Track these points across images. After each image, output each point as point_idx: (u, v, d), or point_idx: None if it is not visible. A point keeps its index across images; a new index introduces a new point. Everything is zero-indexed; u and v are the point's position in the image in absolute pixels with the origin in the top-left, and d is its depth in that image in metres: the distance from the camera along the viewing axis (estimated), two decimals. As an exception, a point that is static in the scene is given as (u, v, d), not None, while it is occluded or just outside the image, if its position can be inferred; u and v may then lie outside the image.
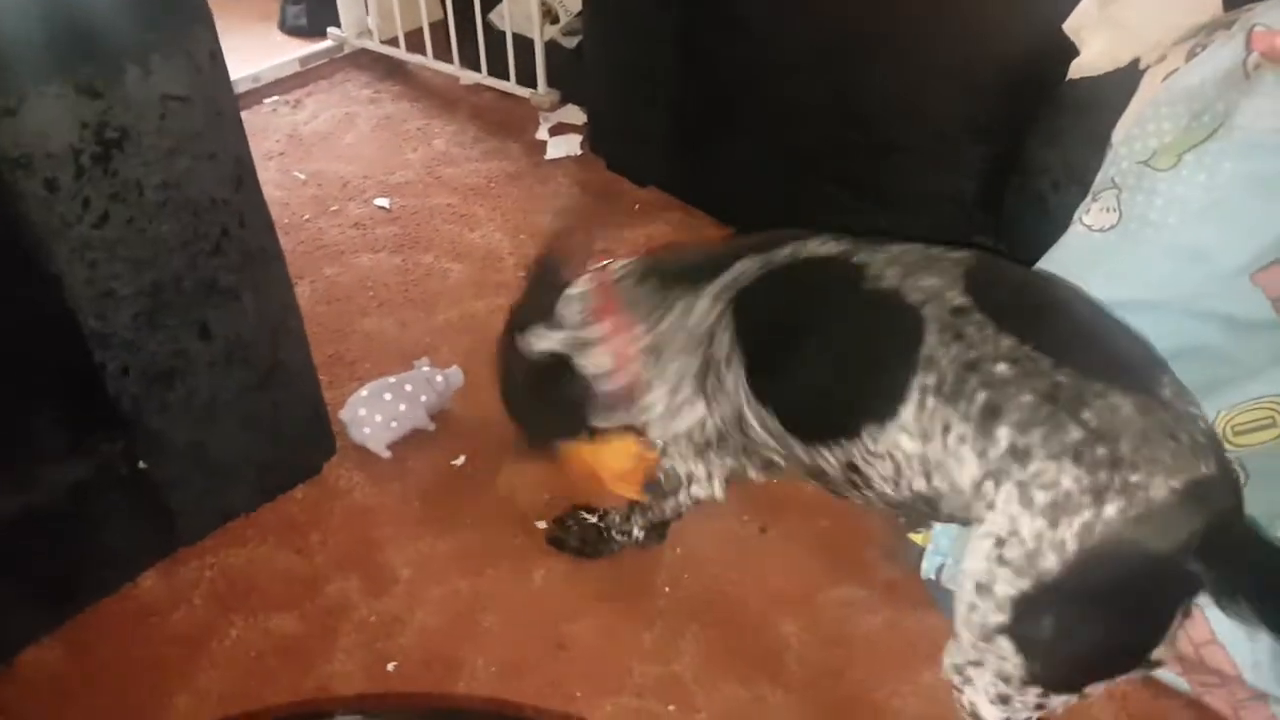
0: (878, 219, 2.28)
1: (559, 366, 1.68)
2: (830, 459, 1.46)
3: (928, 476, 1.33)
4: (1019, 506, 1.20)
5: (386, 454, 2.07)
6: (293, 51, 3.47)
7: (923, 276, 1.37)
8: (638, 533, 1.84)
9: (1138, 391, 1.21)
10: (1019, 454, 1.21)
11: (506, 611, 1.81)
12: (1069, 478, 1.17)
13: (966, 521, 1.34)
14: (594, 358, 1.65)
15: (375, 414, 2.05)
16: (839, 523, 1.92)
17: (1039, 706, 1.30)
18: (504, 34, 3.10)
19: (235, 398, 1.78)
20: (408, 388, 2.09)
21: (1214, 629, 1.52)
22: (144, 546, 1.84)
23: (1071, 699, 1.31)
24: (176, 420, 1.71)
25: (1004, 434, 1.22)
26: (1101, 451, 1.16)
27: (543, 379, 1.70)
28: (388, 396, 2.06)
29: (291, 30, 3.64)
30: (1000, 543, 1.21)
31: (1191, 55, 1.71)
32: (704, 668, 1.71)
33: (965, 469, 1.26)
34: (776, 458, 1.59)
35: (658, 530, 1.87)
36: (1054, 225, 1.73)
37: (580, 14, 2.92)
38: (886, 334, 1.36)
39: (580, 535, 1.88)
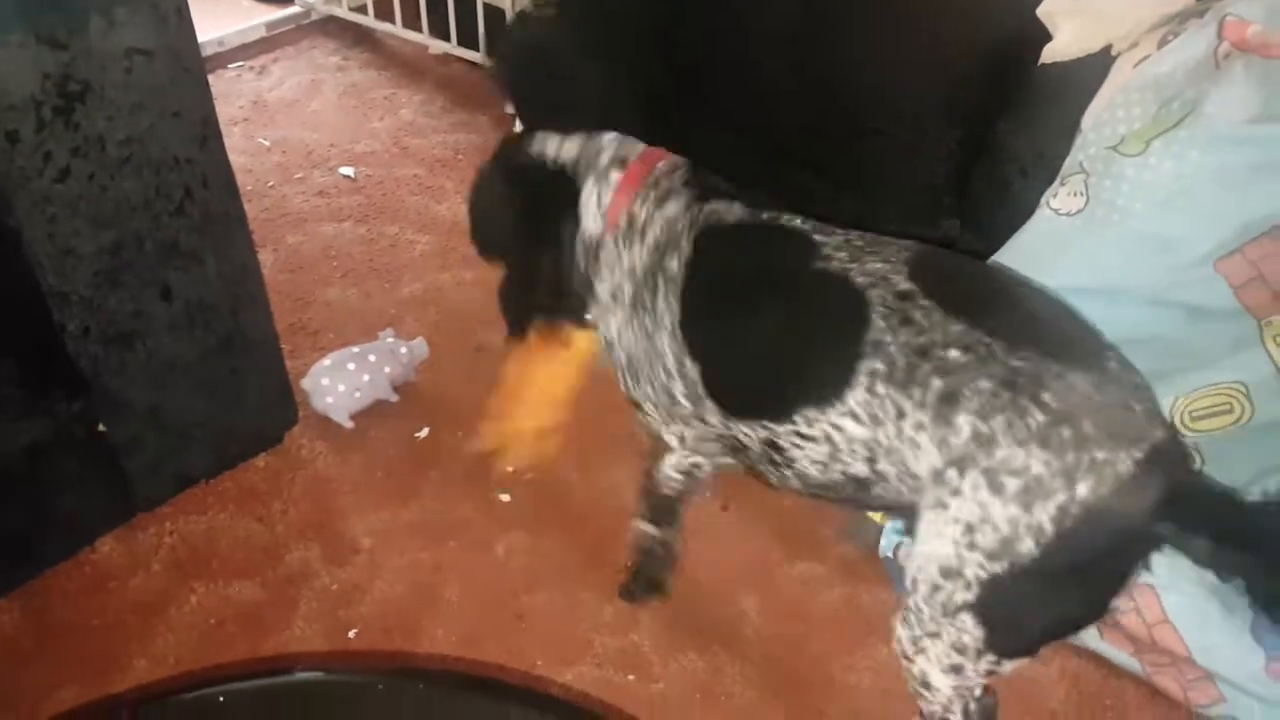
0: (850, 203, 2.29)
1: (558, 178, 1.59)
2: (750, 434, 1.45)
3: (871, 461, 1.32)
4: (989, 494, 1.20)
5: (349, 424, 2.06)
6: (259, 16, 3.41)
7: (869, 260, 1.36)
8: (646, 525, 1.76)
9: (1090, 369, 1.22)
10: (983, 441, 1.20)
11: (467, 582, 1.81)
12: (1038, 462, 1.17)
13: (899, 506, 1.36)
14: (600, 194, 1.57)
15: (338, 383, 2.03)
16: (799, 502, 1.90)
17: (990, 673, 1.32)
18: (474, 3, 3.07)
19: (196, 362, 1.76)
20: (371, 358, 2.08)
21: (1166, 610, 1.56)
22: (102, 511, 1.82)
23: (1024, 661, 1.33)
24: (136, 382, 1.69)
25: (964, 421, 1.21)
26: (1067, 433, 1.17)
27: (535, 184, 1.61)
28: (351, 366, 2.05)
29: (258, -6, 3.57)
30: (970, 529, 1.22)
31: (1163, 43, 1.73)
32: (663, 639, 1.73)
33: (923, 456, 1.26)
34: (686, 410, 1.54)
35: (666, 521, 1.76)
36: (1020, 210, 1.75)
37: (554, -14, 2.89)
38: (831, 316, 1.35)
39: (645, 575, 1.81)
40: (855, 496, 1.41)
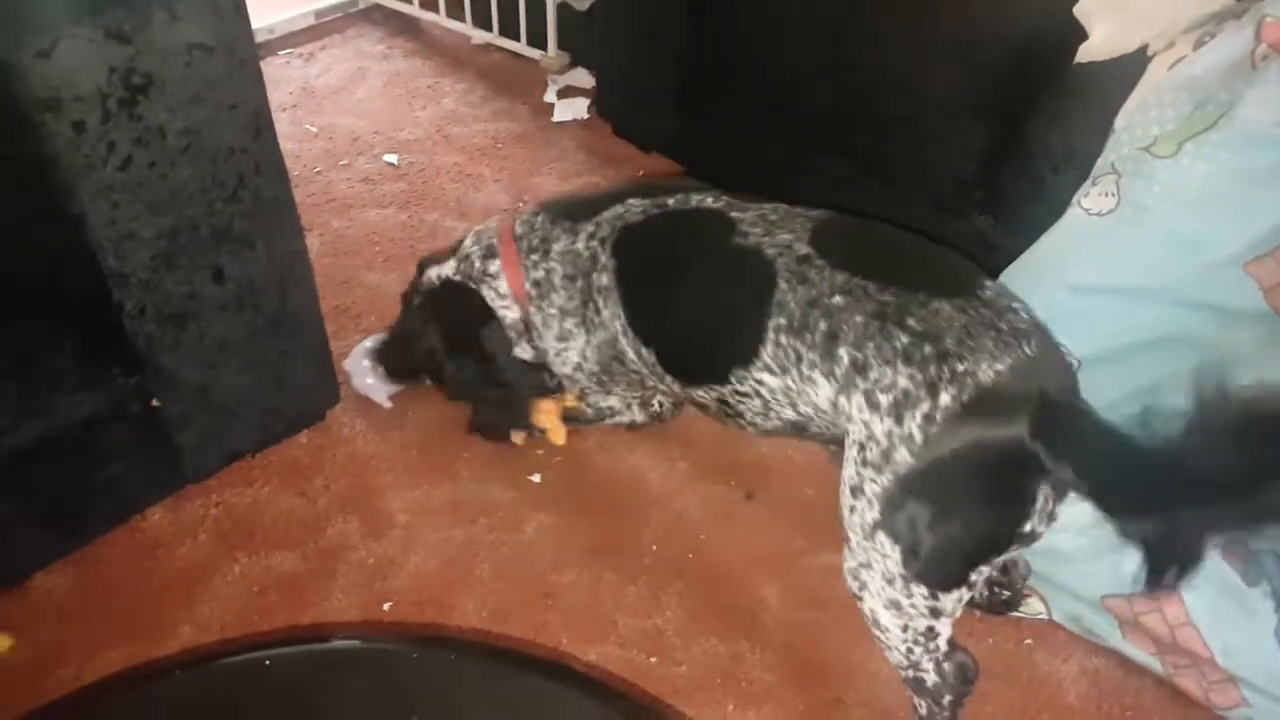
0: (878, 193, 2.31)
1: (456, 286, 1.86)
2: (704, 395, 1.65)
3: (793, 405, 1.50)
4: (869, 412, 1.35)
5: (388, 404, 2.13)
6: (307, 4, 3.48)
7: (779, 233, 1.53)
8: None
9: (957, 295, 1.35)
10: (859, 367, 1.36)
11: (497, 560, 1.87)
12: (903, 377, 1.31)
13: (838, 440, 1.49)
14: (495, 286, 1.83)
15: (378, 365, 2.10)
16: (822, 491, 1.97)
17: (933, 611, 1.39)
18: (517, -6, 3.12)
19: (245, 342, 1.83)
20: (411, 341, 2.13)
21: (1189, 611, 1.57)
22: (152, 482, 1.90)
23: (962, 595, 1.38)
24: (188, 360, 1.76)
25: (844, 353, 1.38)
26: (929, 349, 1.30)
27: (439, 297, 1.88)
28: (392, 349, 2.11)
29: (307, -19, 3.64)
30: (862, 448, 1.36)
31: (1200, 44, 1.72)
32: (686, 623, 1.77)
33: (821, 391, 1.43)
34: (659, 385, 1.76)
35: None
36: (1052, 207, 1.76)
37: (595, -23, 2.93)
38: (747, 285, 1.51)
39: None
40: (804, 437, 1.60)
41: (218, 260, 1.70)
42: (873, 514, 1.36)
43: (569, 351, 1.81)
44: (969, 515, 1.32)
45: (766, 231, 1.54)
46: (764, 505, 1.98)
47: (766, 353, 1.48)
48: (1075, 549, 1.64)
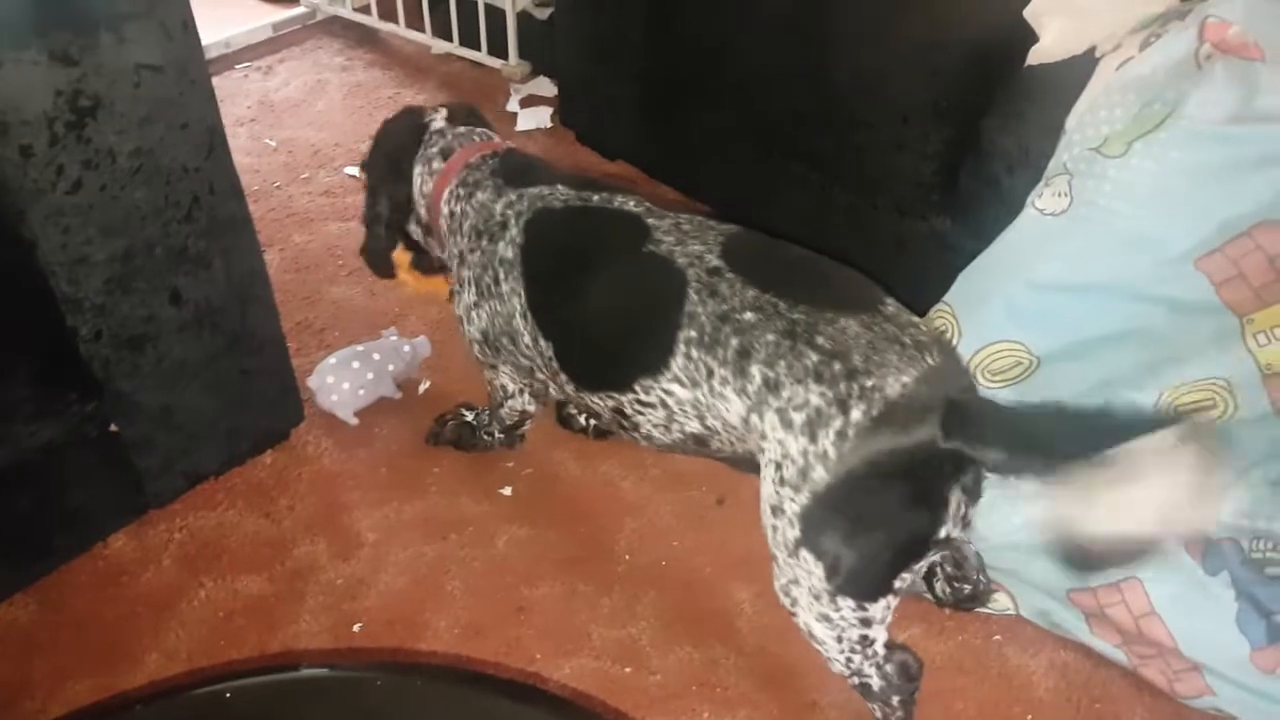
0: (840, 196, 2.33)
1: (414, 125, 1.87)
2: (599, 402, 1.62)
3: (701, 419, 1.49)
4: (783, 431, 1.35)
5: (354, 421, 2.11)
6: (266, 17, 3.46)
7: (691, 243, 1.52)
8: (498, 434, 2.03)
9: (861, 312, 1.38)
10: (771, 385, 1.36)
11: (469, 575, 1.86)
12: (815, 395, 1.32)
13: (740, 456, 1.51)
14: (425, 174, 1.82)
15: (343, 381, 2.08)
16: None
17: (864, 621, 1.41)
18: (476, 3, 3.11)
19: (204, 363, 1.81)
20: (375, 356, 2.12)
21: (1152, 601, 1.60)
22: (114, 507, 1.87)
23: (890, 603, 1.41)
24: (147, 384, 1.74)
25: (756, 370, 1.38)
26: (838, 367, 1.32)
27: (395, 120, 1.90)
28: (356, 364, 2.10)
29: (264, -6, 3.62)
30: (778, 466, 1.36)
31: (1145, 44, 1.76)
32: (660, 631, 1.78)
33: (732, 407, 1.42)
34: (542, 376, 1.73)
35: (509, 436, 2.03)
36: (1008, 208, 1.78)
37: (553, -14, 2.93)
38: (657, 293, 1.50)
39: (455, 430, 2.06)
40: (701, 451, 1.58)
41: (174, 281, 1.68)
42: (794, 532, 1.37)
43: (464, 295, 1.77)
44: (886, 525, 1.34)
45: (679, 241, 1.53)
46: (735, 510, 1.98)
47: (677, 364, 1.46)
48: (1041, 545, 1.66)
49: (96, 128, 1.45)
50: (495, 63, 3.18)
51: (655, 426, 1.56)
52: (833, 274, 1.51)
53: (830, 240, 2.42)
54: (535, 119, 3.06)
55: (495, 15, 3.08)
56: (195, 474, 1.95)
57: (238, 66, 3.28)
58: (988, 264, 1.77)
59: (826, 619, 1.42)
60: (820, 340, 1.35)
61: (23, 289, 1.54)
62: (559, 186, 1.68)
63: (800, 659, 1.74)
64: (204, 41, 2.99)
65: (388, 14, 3.35)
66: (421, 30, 3.29)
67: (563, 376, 1.66)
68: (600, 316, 1.57)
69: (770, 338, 1.38)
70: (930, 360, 1.33)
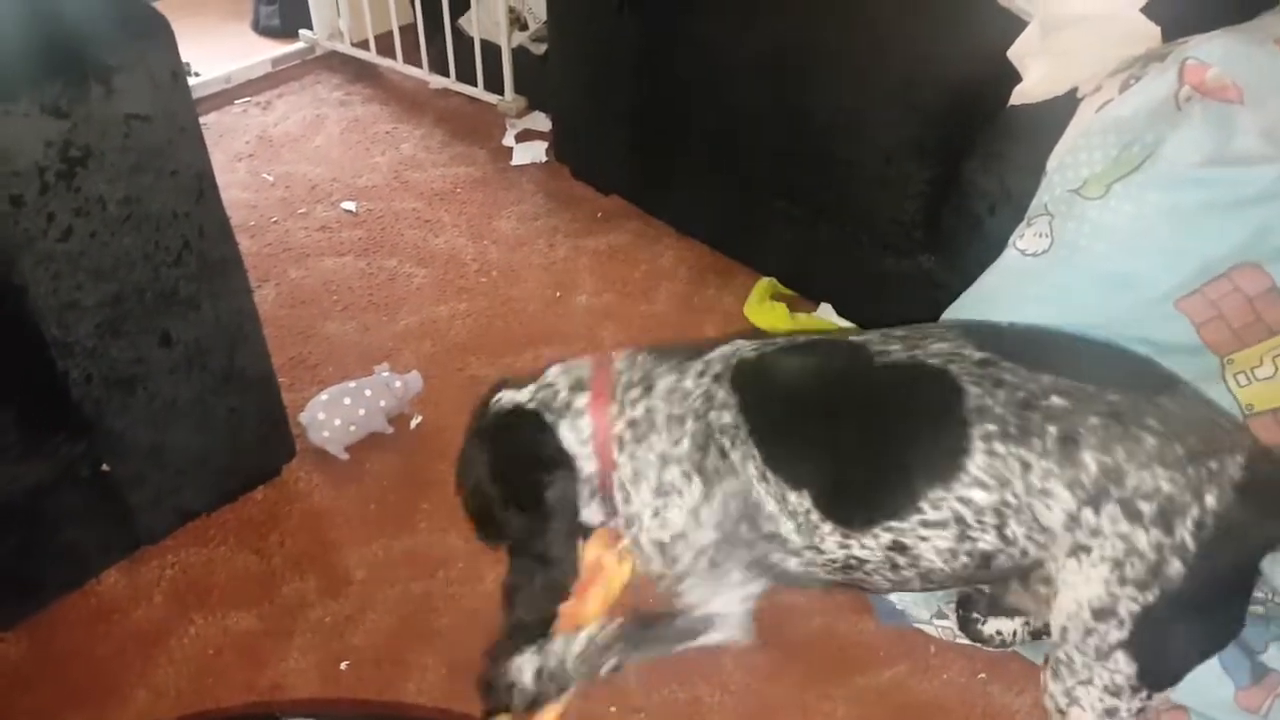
0: (827, 233, 2.35)
1: (527, 415, 1.49)
2: (871, 544, 1.39)
3: (1000, 527, 1.32)
4: (1128, 524, 1.25)
5: (344, 456, 2.13)
6: (264, 52, 3.49)
7: (928, 345, 1.39)
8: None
9: (1172, 394, 1.32)
10: (1111, 473, 1.25)
11: (457, 613, 1.87)
12: (1165, 482, 1.23)
13: (1009, 577, 1.42)
14: (576, 425, 1.48)
15: (334, 417, 2.10)
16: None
17: (1141, 710, 1.35)
18: (472, 39, 3.15)
19: (195, 402, 1.82)
20: (367, 392, 2.14)
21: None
22: (106, 545, 1.89)
23: (1170, 691, 1.37)
24: (138, 423, 1.76)
25: (1090, 458, 1.26)
26: (1180, 450, 1.24)
27: (502, 426, 1.51)
28: (347, 400, 2.12)
29: (264, 31, 3.65)
30: (1118, 565, 1.26)
31: (1125, 86, 1.78)
32: (645, 670, 1.76)
33: (1056, 504, 1.29)
34: (783, 555, 1.46)
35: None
36: (990, 248, 1.80)
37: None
38: (922, 398, 1.37)
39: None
40: (974, 579, 1.45)
41: (164, 324, 1.70)
42: (1120, 634, 1.28)
43: (671, 510, 1.44)
44: (1220, 618, 1.30)
45: (911, 346, 1.39)
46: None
47: (976, 465, 1.30)
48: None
49: (87, 177, 1.47)
50: (491, 98, 3.21)
51: (939, 554, 1.36)
52: (1104, 354, 1.45)
53: (816, 275, 2.48)
54: (531, 153, 3.09)
55: (491, 51, 3.11)
56: (186, 510, 1.97)
57: (237, 102, 3.31)
58: (970, 304, 1.78)
59: (1111, 714, 1.34)
60: (1152, 423, 1.26)
61: (13, 333, 1.56)
62: (738, 341, 1.51)
63: (784, 697, 1.75)
64: (204, 77, 3.01)
65: (385, 49, 3.38)
66: (419, 65, 3.33)
67: (825, 528, 1.40)
68: (861, 443, 1.40)
69: (1094, 421, 1.27)
70: (1249, 439, 1.29)
